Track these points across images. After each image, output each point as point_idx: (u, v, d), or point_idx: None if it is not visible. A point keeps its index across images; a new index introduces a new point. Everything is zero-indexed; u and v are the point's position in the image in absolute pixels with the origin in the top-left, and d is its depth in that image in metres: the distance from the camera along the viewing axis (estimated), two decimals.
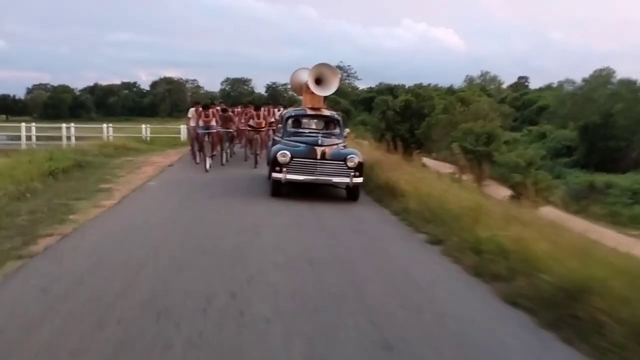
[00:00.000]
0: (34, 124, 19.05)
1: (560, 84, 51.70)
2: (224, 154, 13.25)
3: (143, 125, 19.47)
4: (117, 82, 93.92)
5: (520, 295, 3.85)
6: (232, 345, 3.11)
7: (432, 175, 8.66)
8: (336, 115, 10.24)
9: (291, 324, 3.40)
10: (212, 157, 12.07)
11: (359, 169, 8.28)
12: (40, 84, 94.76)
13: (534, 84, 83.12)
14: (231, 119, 13.39)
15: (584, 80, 40.60)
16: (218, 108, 13.87)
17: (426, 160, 36.70)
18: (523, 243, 4.44)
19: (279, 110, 14.40)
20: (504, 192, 29.22)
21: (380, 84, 76.31)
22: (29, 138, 18.04)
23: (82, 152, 12.97)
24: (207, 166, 11.56)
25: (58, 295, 3.84)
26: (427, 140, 35.99)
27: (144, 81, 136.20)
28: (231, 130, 13.43)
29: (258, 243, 5.57)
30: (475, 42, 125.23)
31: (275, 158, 8.41)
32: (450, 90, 61.75)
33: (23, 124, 18.02)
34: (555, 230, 4.96)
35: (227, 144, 13.51)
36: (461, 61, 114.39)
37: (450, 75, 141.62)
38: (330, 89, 10.29)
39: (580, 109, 37.82)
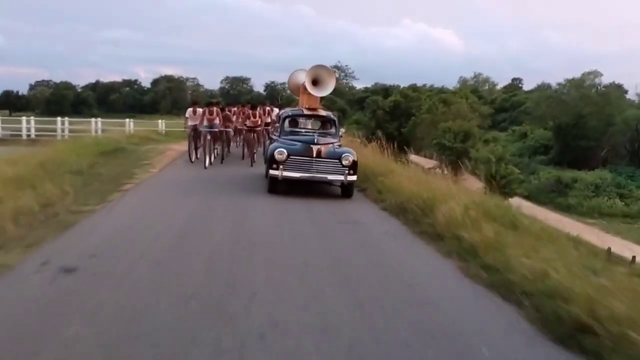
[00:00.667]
0: (67, 118, 22.87)
1: (538, 87, 55.69)
2: (223, 153, 14.14)
3: (159, 120, 23.41)
4: (116, 79, 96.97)
5: (388, 206, 7.71)
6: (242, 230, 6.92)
7: (381, 156, 12.24)
8: (332, 116, 10.83)
9: (272, 232, 7.19)
10: (213, 154, 13.00)
11: (354, 167, 8.80)
12: (43, 81, 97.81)
13: (530, 86, 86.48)
14: (229, 119, 14.23)
15: (558, 84, 44.70)
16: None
17: (413, 156, 40.74)
18: (400, 186, 8.24)
19: (271, 110, 15.64)
20: (478, 185, 33.24)
21: (375, 84, 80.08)
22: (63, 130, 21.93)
23: (116, 141, 16.72)
24: (207, 163, 12.34)
25: (151, 203, 7.66)
26: (413, 138, 39.78)
27: (143, 78, 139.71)
28: (230, 129, 14.21)
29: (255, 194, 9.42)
30: (474, 42, 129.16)
31: (272, 156, 8.85)
32: (441, 91, 65.66)
33: (59, 118, 21.99)
34: (427, 181, 8.72)
35: (224, 143, 14.33)
36: (460, 61, 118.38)
37: (449, 75, 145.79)
38: (326, 90, 10.85)
39: (553, 111, 41.79)
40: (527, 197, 31.97)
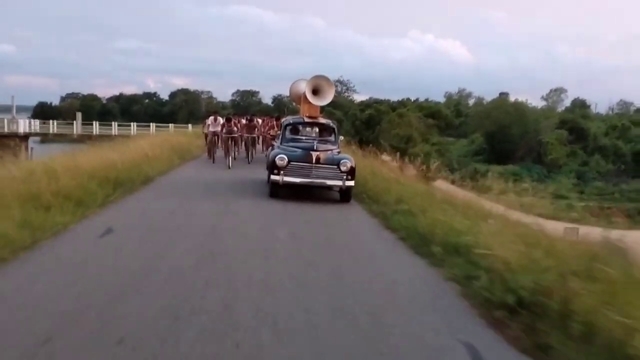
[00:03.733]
0: (154, 123, 42.04)
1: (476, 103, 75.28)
2: (249, 155, 18.56)
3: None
4: (126, 88, 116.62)
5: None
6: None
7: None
8: (331, 124, 11.92)
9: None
10: (234, 156, 17.25)
11: (352, 173, 9.86)
12: (73, 93, 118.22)
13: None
14: (255, 127, 18.67)
15: (488, 102, 63.88)
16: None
17: (383, 156, 59.30)
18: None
19: (262, 120, 22.03)
20: (414, 171, 51.63)
21: (370, 98, 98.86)
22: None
23: (187, 133, 35.58)
24: (229, 164, 15.76)
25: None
26: (377, 142, 58.43)
27: (152, 88, 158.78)
28: (254, 135, 18.40)
29: None
30: (482, 55, 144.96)
31: (273, 162, 9.89)
32: (420, 105, 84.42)
33: (152, 123, 41.05)
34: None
35: (251, 146, 18.96)
36: (468, 74, 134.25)
37: (454, 87, 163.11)
38: (326, 99, 12.03)
39: (482, 122, 60.60)
40: (452, 182, 50.50)
